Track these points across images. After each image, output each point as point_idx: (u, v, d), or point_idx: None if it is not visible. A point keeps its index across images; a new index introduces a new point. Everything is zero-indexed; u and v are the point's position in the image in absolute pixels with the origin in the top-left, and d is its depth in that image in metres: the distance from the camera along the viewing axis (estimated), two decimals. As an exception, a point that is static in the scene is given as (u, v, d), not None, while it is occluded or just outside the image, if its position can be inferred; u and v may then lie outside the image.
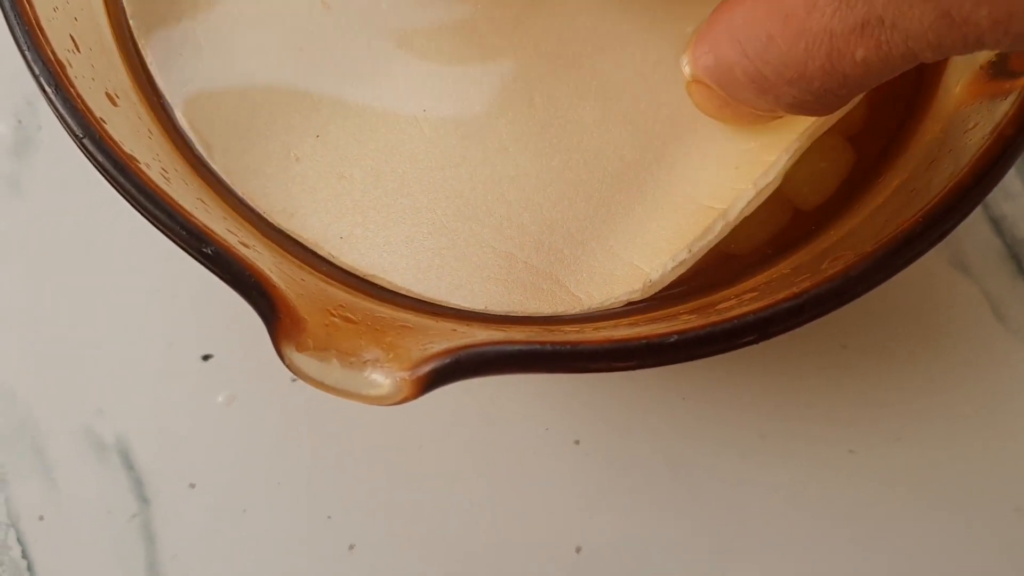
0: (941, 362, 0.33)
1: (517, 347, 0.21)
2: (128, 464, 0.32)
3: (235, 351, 0.32)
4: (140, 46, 0.27)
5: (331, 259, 0.26)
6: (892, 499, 0.32)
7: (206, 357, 0.32)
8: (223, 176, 0.26)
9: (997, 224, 0.34)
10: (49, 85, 0.22)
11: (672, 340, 0.21)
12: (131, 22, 0.27)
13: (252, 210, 0.26)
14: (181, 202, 0.22)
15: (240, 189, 0.27)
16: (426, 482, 0.32)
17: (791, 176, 0.27)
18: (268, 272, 0.22)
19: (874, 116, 0.27)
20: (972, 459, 0.32)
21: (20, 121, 0.34)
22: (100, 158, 0.21)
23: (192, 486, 0.32)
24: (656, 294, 0.27)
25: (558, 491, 0.31)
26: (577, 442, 0.32)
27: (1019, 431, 0.32)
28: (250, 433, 0.32)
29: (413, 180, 0.27)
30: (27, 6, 0.22)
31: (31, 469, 0.32)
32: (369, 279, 0.26)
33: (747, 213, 0.27)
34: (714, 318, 0.22)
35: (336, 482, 0.32)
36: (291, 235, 0.27)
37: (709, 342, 0.21)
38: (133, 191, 0.21)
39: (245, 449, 0.32)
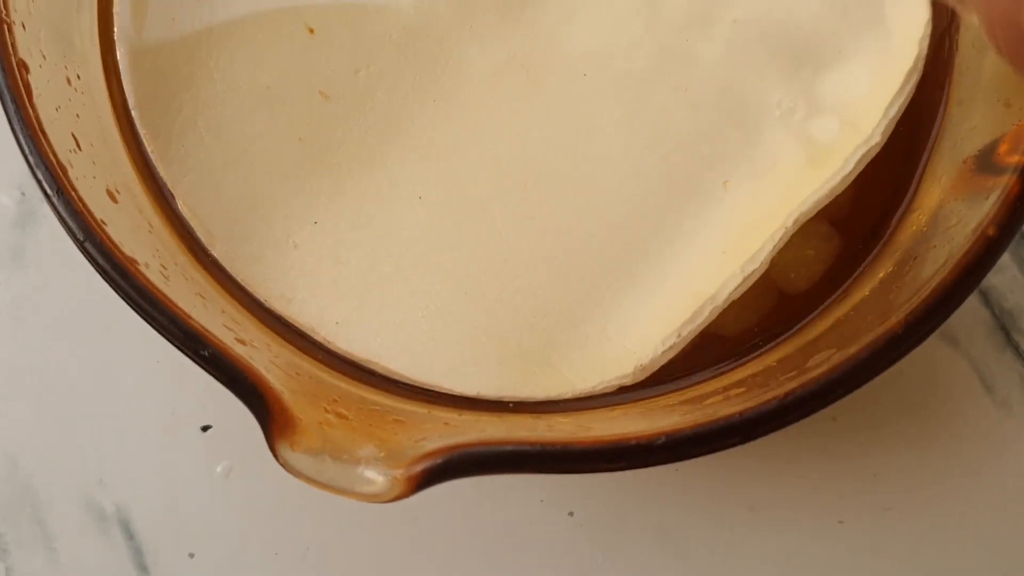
0: (929, 433, 0.33)
1: (508, 448, 0.21)
2: (128, 533, 0.33)
3: (233, 422, 0.33)
4: (142, 136, 0.27)
5: (327, 344, 0.27)
6: (881, 569, 0.32)
7: (205, 428, 0.33)
8: (224, 263, 0.27)
9: (985, 295, 0.34)
10: (51, 188, 0.22)
11: (661, 442, 0.22)
12: (134, 113, 0.28)
13: (251, 297, 0.27)
14: (180, 301, 0.23)
15: (240, 276, 0.27)
16: (422, 552, 0.32)
17: (778, 261, 0.27)
18: (263, 372, 0.22)
19: (860, 202, 0.28)
20: (961, 530, 0.32)
21: (23, 193, 0.34)
22: (101, 262, 0.22)
23: (191, 555, 0.32)
24: (647, 377, 0.27)
25: (553, 563, 0.32)
26: (571, 514, 0.32)
27: (1007, 502, 0.33)
28: (248, 503, 0.33)
29: (408, 264, 0.28)
30: (30, 110, 0.23)
31: (32, 538, 0.33)
32: (363, 364, 0.27)
33: (735, 297, 0.27)
34: (701, 418, 0.22)
35: (333, 553, 0.32)
36: (289, 321, 0.27)
37: (696, 443, 0.22)
38: (133, 295, 0.22)
39: (243, 519, 0.32)
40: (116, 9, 0.28)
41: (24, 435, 0.33)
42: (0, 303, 0.34)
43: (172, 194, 0.27)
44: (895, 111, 0.28)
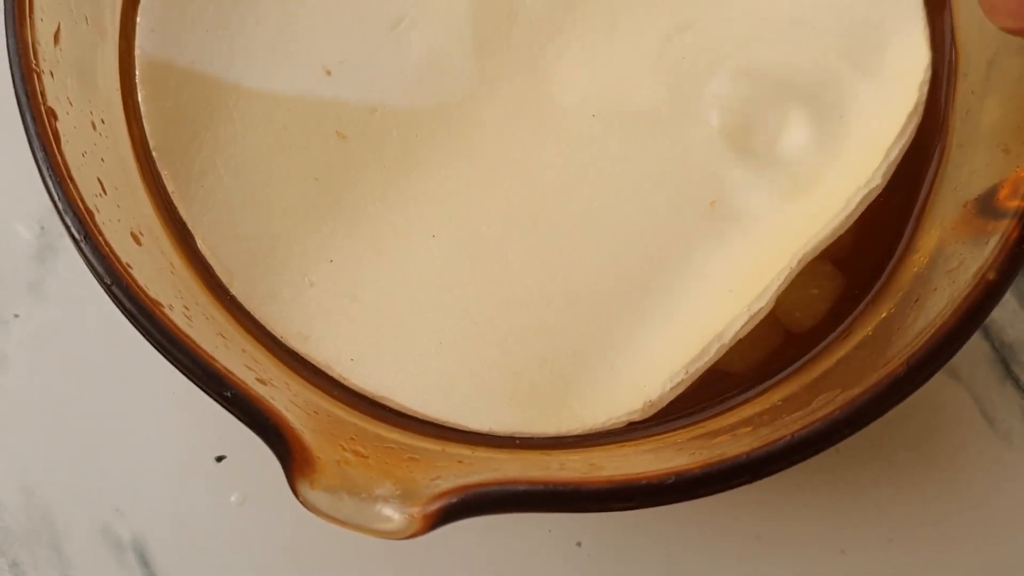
0: (931, 465, 0.34)
1: (521, 488, 0.22)
2: (144, 562, 0.33)
3: (248, 453, 0.33)
4: (163, 177, 0.28)
5: (342, 381, 0.28)
6: (885, 599, 0.33)
7: (219, 458, 0.34)
8: (242, 302, 0.28)
9: (985, 329, 0.35)
10: (79, 234, 0.23)
11: (671, 482, 0.22)
12: (154, 154, 0.28)
13: (269, 335, 0.28)
14: (203, 342, 0.23)
15: (258, 314, 0.28)
16: (432, 581, 0.33)
17: (783, 300, 0.28)
18: (284, 411, 0.23)
19: (862, 243, 0.29)
20: (963, 561, 0.33)
21: (43, 227, 0.35)
22: (128, 305, 0.23)
23: (205, 584, 0.33)
24: (656, 413, 0.28)
25: (560, 593, 0.32)
26: (579, 544, 0.33)
27: (1009, 533, 0.33)
28: (262, 532, 0.33)
29: (423, 301, 0.29)
30: (58, 157, 0.24)
31: (49, 567, 0.33)
32: (378, 400, 0.28)
33: (741, 335, 0.28)
34: (710, 458, 0.23)
35: (345, 582, 0.33)
36: (306, 358, 0.28)
37: (706, 483, 0.22)
38: (159, 337, 0.23)
39: (258, 548, 0.33)
40: (137, 52, 0.29)
41: (41, 464, 0.34)
42: (19, 335, 0.35)
43: (192, 233, 0.28)
44: (896, 154, 0.29)
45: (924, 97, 0.29)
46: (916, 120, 0.29)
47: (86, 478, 0.34)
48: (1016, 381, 0.34)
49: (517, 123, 0.30)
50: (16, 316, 0.34)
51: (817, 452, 0.23)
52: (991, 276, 0.24)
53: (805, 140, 0.29)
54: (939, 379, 0.34)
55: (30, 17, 0.25)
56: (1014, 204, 0.25)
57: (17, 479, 0.34)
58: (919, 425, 0.34)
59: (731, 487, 0.23)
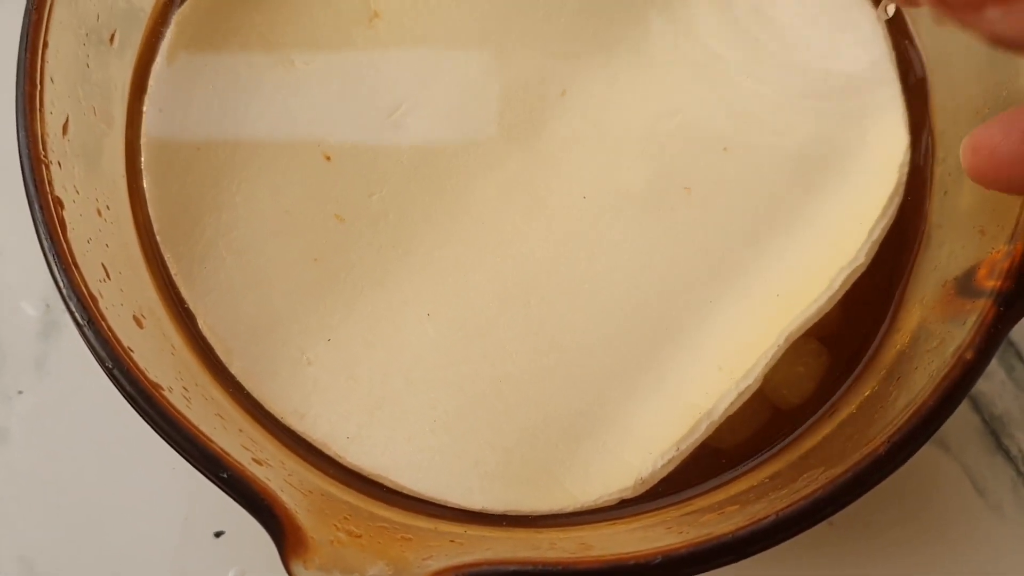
0: (923, 537, 0.34)
1: (512, 569, 0.22)
2: (141, 638, 0.33)
3: (246, 528, 0.33)
4: (166, 259, 0.29)
5: (338, 459, 0.28)
6: (880, 675, 0.33)
7: (218, 534, 0.34)
8: (241, 381, 0.28)
9: (974, 401, 0.35)
10: (82, 319, 0.24)
11: (657, 562, 0.23)
12: (158, 237, 0.29)
13: (267, 413, 0.28)
14: (200, 423, 0.24)
15: (256, 392, 0.28)
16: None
17: (770, 377, 0.29)
18: (278, 492, 0.24)
19: (847, 320, 0.29)
20: (957, 635, 0.33)
21: (48, 305, 0.36)
22: (128, 388, 0.23)
23: (202, 660, 0.33)
24: (647, 490, 0.28)
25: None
26: (573, 619, 0.33)
27: (1002, 607, 0.33)
28: (259, 608, 0.33)
29: (417, 379, 0.29)
30: (64, 245, 0.24)
31: (47, 643, 0.33)
32: (372, 478, 0.28)
33: (730, 412, 0.29)
34: (696, 538, 0.23)
35: (341, 658, 0.33)
36: (302, 436, 0.28)
37: (692, 562, 0.23)
38: (157, 419, 0.23)
39: (254, 623, 0.33)
40: (143, 140, 0.30)
41: (41, 539, 0.34)
42: (22, 411, 0.35)
43: (193, 314, 0.29)
44: (878, 233, 0.29)
45: (904, 178, 0.30)
46: (897, 200, 0.30)
47: (85, 552, 0.34)
48: (1006, 452, 0.35)
49: (511, 204, 0.31)
50: (20, 392, 0.35)
51: (801, 531, 0.23)
52: (968, 355, 0.24)
53: (786, 221, 0.30)
54: (930, 451, 0.35)
55: (40, 110, 0.26)
56: (991, 284, 0.25)
57: (16, 551, 0.34)
58: (911, 497, 0.34)
59: (718, 566, 0.23)
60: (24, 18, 0.26)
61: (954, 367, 0.24)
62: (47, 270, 0.36)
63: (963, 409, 0.35)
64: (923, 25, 0.31)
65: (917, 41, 0.31)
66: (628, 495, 0.28)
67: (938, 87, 0.30)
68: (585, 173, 0.31)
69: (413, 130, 0.31)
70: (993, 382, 0.35)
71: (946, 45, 0.30)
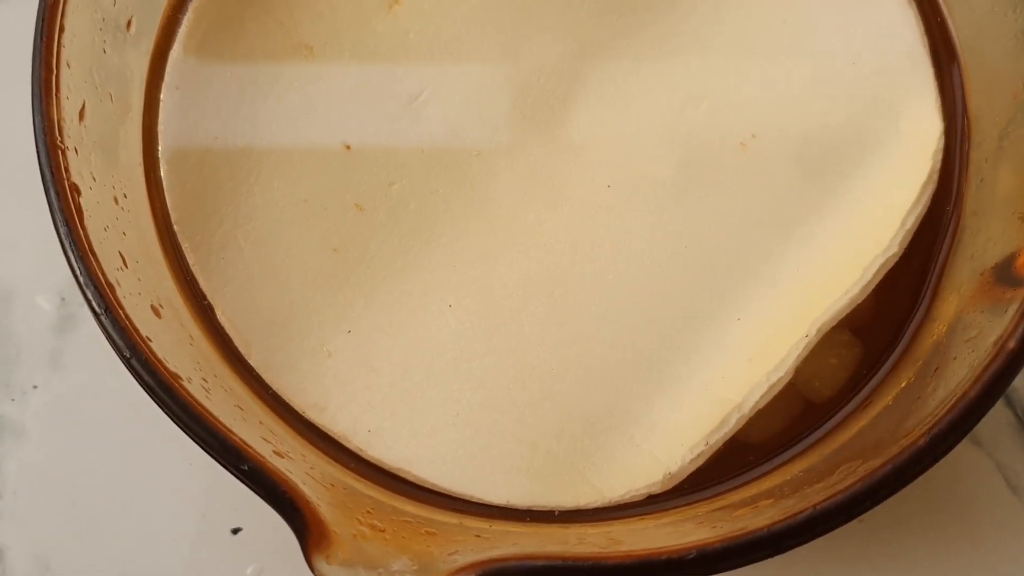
0: (956, 534, 0.33)
1: (539, 564, 0.22)
2: (157, 636, 0.33)
3: (264, 525, 0.33)
4: (184, 249, 0.29)
5: (359, 452, 0.28)
6: (912, 675, 0.32)
7: (236, 530, 0.33)
8: (260, 373, 0.28)
9: (1008, 397, 0.34)
10: (100, 308, 0.23)
11: (691, 557, 0.22)
12: (175, 227, 0.29)
13: (287, 406, 0.28)
14: (220, 414, 0.23)
15: (275, 385, 0.28)
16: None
17: (802, 370, 0.28)
18: (300, 484, 0.23)
19: (880, 311, 0.29)
20: (991, 635, 0.32)
21: (64, 299, 0.35)
22: (147, 378, 0.23)
23: (219, 659, 0.32)
24: (675, 485, 0.28)
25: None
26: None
27: (1037, 606, 0.32)
28: (277, 606, 0.33)
29: (439, 371, 0.29)
30: (81, 233, 0.24)
31: (62, 641, 0.33)
32: (395, 472, 0.27)
33: (760, 406, 0.28)
34: (730, 532, 0.22)
35: (360, 657, 0.32)
36: (323, 430, 0.28)
37: (727, 557, 0.22)
38: (177, 410, 0.23)
39: (272, 622, 0.33)
40: (160, 128, 0.30)
41: (56, 536, 0.34)
42: (37, 406, 0.35)
43: (212, 305, 0.28)
44: (912, 221, 0.29)
45: (938, 165, 0.29)
46: (931, 188, 0.29)
47: (101, 550, 0.33)
48: (1040, 449, 0.34)
49: (533, 193, 0.30)
50: (35, 387, 0.35)
51: (839, 525, 0.22)
52: (1011, 345, 0.24)
53: (817, 209, 0.29)
54: (962, 447, 0.34)
55: (56, 95, 0.25)
56: (1033, 272, 0.24)
57: (31, 548, 0.34)
58: (943, 494, 0.33)
59: (753, 561, 0.22)
60: (40, 2, 0.25)
61: (996, 357, 0.23)
62: (62, 264, 0.35)
63: (996, 404, 0.34)
64: (956, 3, 0.30)
65: (949, 21, 0.30)
66: (656, 490, 0.27)
67: (973, 69, 0.29)
68: (610, 161, 0.30)
69: (433, 118, 0.30)
70: (1026, 376, 0.35)
71: (980, 24, 0.29)
